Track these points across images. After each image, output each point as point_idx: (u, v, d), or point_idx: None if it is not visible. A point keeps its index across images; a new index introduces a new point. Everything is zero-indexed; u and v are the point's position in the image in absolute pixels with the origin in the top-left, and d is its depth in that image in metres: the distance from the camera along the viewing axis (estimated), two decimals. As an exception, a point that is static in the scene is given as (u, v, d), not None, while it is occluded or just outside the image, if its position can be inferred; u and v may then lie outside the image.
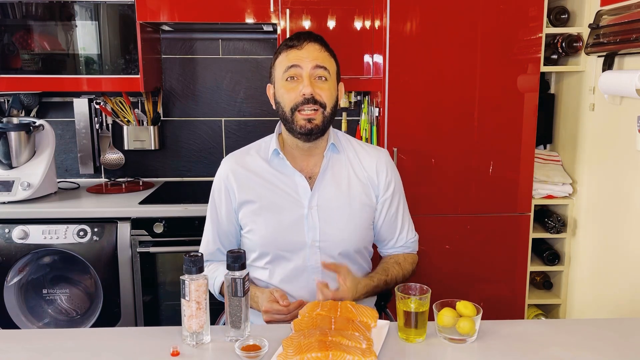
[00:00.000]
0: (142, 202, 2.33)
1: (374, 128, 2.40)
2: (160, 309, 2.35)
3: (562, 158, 2.44)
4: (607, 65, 1.97)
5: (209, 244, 1.60)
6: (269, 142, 1.57)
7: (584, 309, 2.30)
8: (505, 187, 2.22)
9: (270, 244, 1.51)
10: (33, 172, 2.36)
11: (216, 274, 1.55)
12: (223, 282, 1.49)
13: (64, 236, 2.21)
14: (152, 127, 2.66)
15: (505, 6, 2.11)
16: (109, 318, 2.27)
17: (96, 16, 2.31)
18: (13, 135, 2.34)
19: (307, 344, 1.11)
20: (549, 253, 2.37)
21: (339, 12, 2.28)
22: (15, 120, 2.46)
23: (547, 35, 2.27)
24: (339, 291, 1.39)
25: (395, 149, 2.16)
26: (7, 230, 2.20)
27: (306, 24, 2.28)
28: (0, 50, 2.32)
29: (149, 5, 2.27)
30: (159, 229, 2.24)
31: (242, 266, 1.23)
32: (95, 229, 2.22)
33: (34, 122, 2.42)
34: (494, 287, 2.28)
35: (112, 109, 2.67)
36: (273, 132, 1.58)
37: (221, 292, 1.54)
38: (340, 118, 2.70)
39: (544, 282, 2.45)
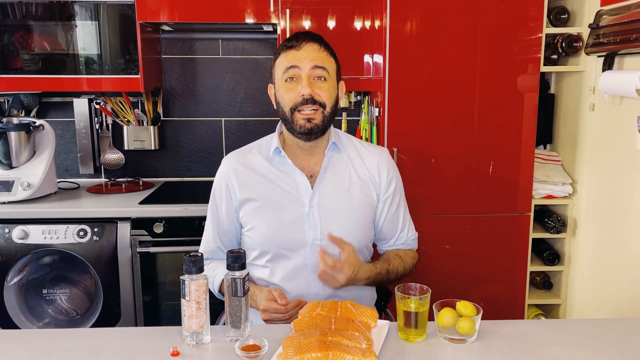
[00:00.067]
0: (142, 202, 2.33)
1: (374, 128, 2.40)
2: (160, 309, 2.35)
3: (562, 158, 2.44)
4: (607, 65, 1.97)
5: (209, 242, 1.60)
6: (270, 141, 1.57)
7: (584, 309, 2.29)
8: (505, 187, 2.22)
9: (270, 243, 1.51)
10: (33, 172, 2.36)
11: (216, 272, 1.55)
12: (222, 281, 1.49)
13: (64, 236, 2.21)
14: (152, 127, 2.66)
15: (505, 6, 2.11)
16: (109, 318, 2.27)
17: (96, 16, 2.31)
18: (13, 135, 2.34)
19: (307, 344, 1.11)
20: (549, 253, 2.37)
21: (339, 12, 2.28)
22: (15, 120, 2.46)
23: (547, 35, 2.27)
24: (340, 262, 1.39)
25: (395, 149, 2.16)
26: (7, 230, 2.20)
27: (306, 24, 2.28)
28: (0, 50, 2.32)
29: (149, 5, 2.27)
30: (159, 229, 2.24)
31: (242, 266, 1.23)
32: (95, 229, 2.22)
33: (34, 122, 2.42)
34: (494, 287, 2.29)
35: (112, 109, 2.67)
36: (273, 131, 1.59)
37: (220, 291, 1.54)
38: (340, 118, 2.70)
39: (544, 282, 2.45)
